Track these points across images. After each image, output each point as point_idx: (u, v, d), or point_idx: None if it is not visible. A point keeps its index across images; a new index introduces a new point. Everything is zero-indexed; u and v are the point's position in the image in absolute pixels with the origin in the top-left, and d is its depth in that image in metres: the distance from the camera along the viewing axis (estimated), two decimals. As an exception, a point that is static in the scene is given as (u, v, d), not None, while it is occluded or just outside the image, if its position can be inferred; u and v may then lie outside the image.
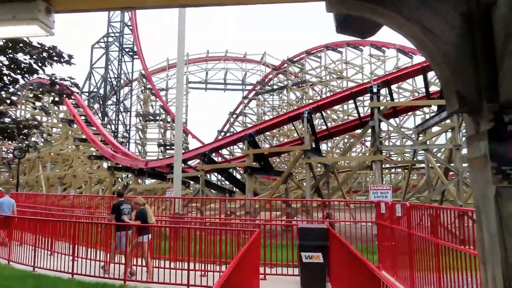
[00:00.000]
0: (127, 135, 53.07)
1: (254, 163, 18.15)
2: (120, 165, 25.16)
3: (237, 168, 21.70)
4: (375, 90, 15.85)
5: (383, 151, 16.24)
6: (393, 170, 39.16)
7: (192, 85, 58.22)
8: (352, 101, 19.82)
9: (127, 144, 53.10)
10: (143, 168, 22.97)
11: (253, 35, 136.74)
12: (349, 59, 45.27)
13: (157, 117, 52.13)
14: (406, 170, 36.09)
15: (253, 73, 58.59)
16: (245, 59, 58.64)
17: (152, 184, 26.43)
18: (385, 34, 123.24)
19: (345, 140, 38.50)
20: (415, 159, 20.21)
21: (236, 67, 58.72)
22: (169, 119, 52.90)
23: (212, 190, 20.44)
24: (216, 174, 23.44)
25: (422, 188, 24.24)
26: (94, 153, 28.93)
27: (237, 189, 23.19)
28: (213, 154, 19.51)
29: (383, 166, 18.12)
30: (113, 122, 51.04)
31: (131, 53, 52.98)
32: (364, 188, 41.95)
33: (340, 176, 21.99)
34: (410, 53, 38.51)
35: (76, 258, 9.81)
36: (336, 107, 36.20)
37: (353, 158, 29.83)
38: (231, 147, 42.48)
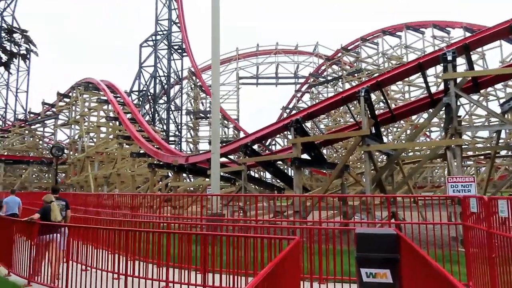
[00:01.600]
0: (179, 134, 52.33)
1: (303, 155, 15.63)
2: (161, 162, 23.65)
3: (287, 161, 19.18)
4: (449, 58, 12.71)
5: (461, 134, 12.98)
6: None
7: (243, 81, 56.58)
8: (419, 74, 16.61)
9: (179, 143, 52.38)
10: (183, 164, 21.21)
11: (304, 25, 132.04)
12: (409, 43, 41.12)
13: (208, 115, 50.96)
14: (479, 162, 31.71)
15: (306, 66, 55.78)
16: (297, 51, 55.90)
17: (197, 181, 24.73)
18: (449, 10, 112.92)
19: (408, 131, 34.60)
20: (497, 144, 16.55)
21: (288, 60, 56.19)
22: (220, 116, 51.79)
23: (256, 187, 18.16)
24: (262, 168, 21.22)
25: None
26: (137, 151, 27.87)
27: (287, 186, 20.77)
28: (257, 146, 17.27)
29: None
30: (164, 121, 50.48)
31: (180, 51, 52.17)
32: (430, 183, 37.73)
33: (405, 169, 18.81)
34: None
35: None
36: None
37: (423, 144, 25.84)
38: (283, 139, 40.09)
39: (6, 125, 54.19)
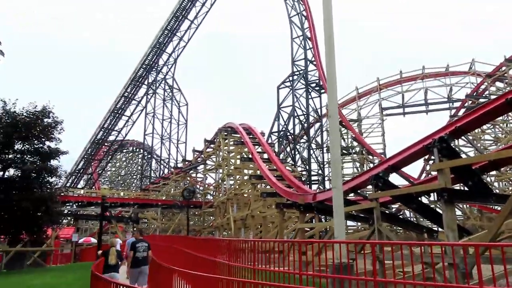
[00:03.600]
0: (322, 173, 49.64)
1: (455, 185, 11.40)
2: (290, 202, 21.29)
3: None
4: None
5: None
6: None
7: (387, 112, 51.69)
8: None
9: (322, 182, 49.60)
10: (311, 202, 18.43)
11: (456, 43, 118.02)
12: None
13: (350, 150, 47.38)
14: None
15: (462, 87, 48.19)
16: (448, 72, 48.91)
17: (330, 222, 21.44)
18: None
19: None
20: None
21: (439, 84, 49.48)
22: (364, 152, 47.68)
23: (397, 228, 14.18)
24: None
25: None
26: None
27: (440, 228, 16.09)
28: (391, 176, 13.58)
29: None
30: (306, 161, 48.55)
31: (317, 88, 50.60)
32: None
33: None
34: None
35: None
36: None
37: None
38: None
39: (168, 173, 59.39)
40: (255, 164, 29.96)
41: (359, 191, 16.12)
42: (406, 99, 50.43)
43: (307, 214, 19.07)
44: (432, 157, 11.73)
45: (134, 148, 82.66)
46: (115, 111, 66.24)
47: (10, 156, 25.48)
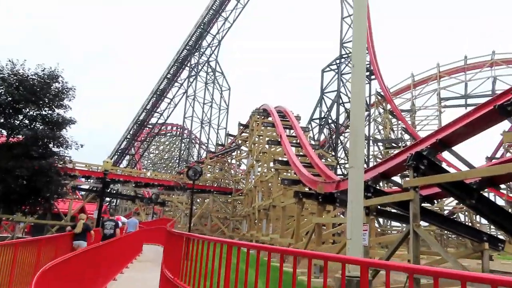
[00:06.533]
0: (366, 166, 44.41)
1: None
2: (312, 191, 17.12)
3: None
4: None
5: None
6: None
7: (447, 103, 45.23)
8: None
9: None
10: (333, 192, 14.13)
11: None
12: None
13: (400, 143, 41.75)
14: None
15: (539, 77, 40.78)
16: (523, 58, 41.65)
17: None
18: None
19: None
20: None
21: (509, 72, 42.29)
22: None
23: (445, 232, 9.59)
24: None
25: None
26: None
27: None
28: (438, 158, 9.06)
29: None
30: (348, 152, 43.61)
31: (367, 74, 45.23)
32: None
33: None
34: None
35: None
36: None
37: None
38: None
39: (203, 157, 56.73)
40: (283, 149, 25.97)
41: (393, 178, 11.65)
42: (470, 89, 43.71)
43: (328, 206, 14.81)
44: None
45: (176, 132, 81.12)
46: (158, 93, 64.57)
47: (17, 122, 23.38)
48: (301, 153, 24.97)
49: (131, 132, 67.76)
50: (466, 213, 24.45)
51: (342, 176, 27.39)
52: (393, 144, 41.77)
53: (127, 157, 71.34)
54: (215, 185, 44.39)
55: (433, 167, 8.62)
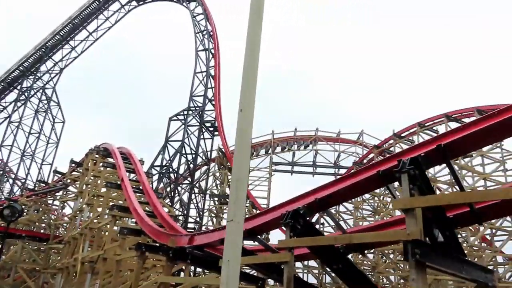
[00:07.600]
0: (199, 221, 43.56)
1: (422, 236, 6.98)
2: (157, 244, 15.24)
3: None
4: None
5: None
6: None
7: (277, 167, 48.95)
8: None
9: (199, 230, 43.45)
10: (185, 246, 12.67)
11: (348, 112, 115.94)
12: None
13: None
14: None
15: (349, 155, 47.90)
16: (339, 138, 48.64)
17: (205, 278, 15.58)
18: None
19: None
20: None
21: (329, 148, 48.73)
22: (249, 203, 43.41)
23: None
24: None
25: None
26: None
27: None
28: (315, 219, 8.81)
29: None
30: (185, 205, 42.25)
31: (211, 129, 46.02)
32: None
33: None
34: None
35: None
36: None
37: None
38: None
39: (17, 195, 47.60)
40: (124, 194, 23.19)
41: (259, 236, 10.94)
42: (297, 157, 48.43)
43: (178, 264, 13.14)
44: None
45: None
46: (-31, 112, 53.14)
47: None
48: (143, 200, 22.65)
49: None
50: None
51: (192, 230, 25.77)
52: (227, 200, 42.40)
53: None
54: (29, 229, 37.06)
55: (309, 228, 8.20)
